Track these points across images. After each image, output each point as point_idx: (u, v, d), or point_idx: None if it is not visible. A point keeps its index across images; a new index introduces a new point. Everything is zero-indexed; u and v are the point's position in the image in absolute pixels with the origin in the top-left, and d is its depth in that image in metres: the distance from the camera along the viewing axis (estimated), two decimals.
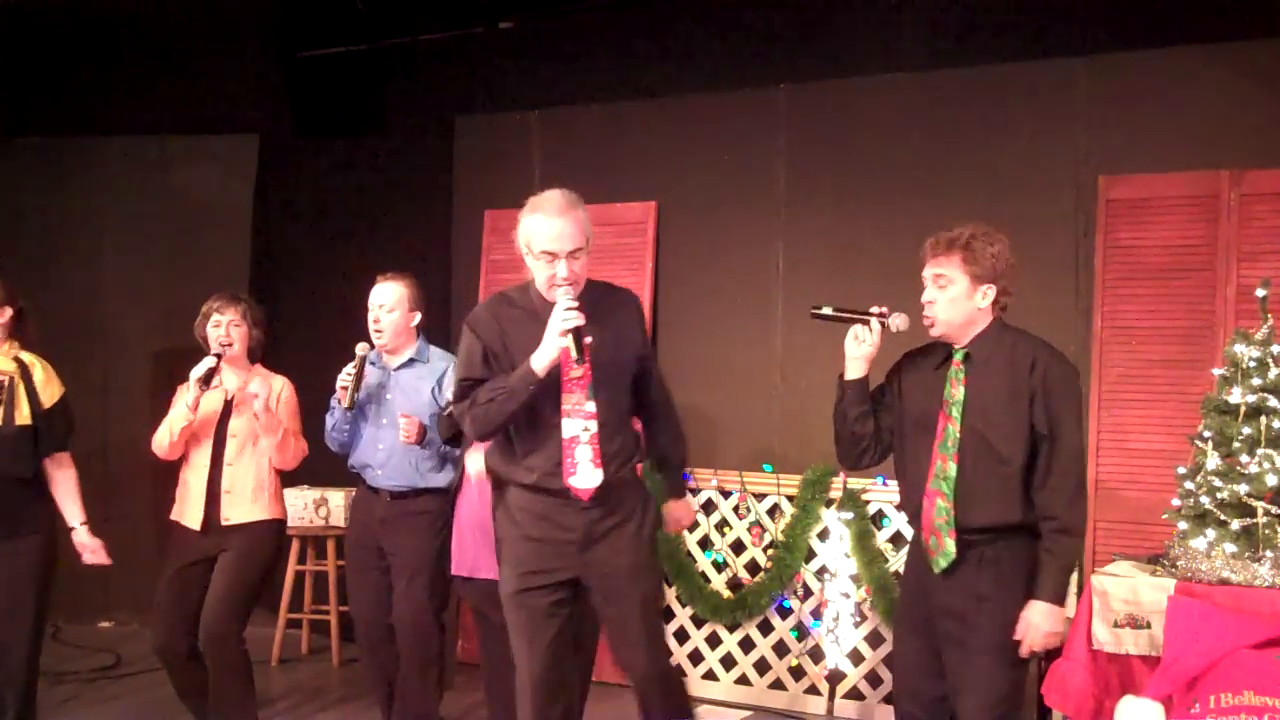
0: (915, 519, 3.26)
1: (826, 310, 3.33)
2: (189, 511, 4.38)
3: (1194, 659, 3.47)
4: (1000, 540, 3.11)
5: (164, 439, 4.36)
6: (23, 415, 4.11)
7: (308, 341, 5.15)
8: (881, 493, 5.05)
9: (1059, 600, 3.06)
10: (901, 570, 4.90)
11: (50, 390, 4.22)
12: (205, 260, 4.58)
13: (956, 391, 3.15)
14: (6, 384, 4.11)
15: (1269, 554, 3.63)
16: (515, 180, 6.10)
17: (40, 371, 4.22)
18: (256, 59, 6.47)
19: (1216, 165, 4.64)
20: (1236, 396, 3.77)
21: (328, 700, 5.34)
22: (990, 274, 3.15)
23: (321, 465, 5.49)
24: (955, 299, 3.15)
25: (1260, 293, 3.87)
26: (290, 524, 5.87)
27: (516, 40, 6.05)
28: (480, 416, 3.26)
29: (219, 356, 4.30)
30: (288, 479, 5.39)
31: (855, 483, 5.07)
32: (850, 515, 5.02)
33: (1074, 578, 3.51)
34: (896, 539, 5.01)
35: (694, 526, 3.79)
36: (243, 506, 4.37)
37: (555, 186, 5.95)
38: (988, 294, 3.15)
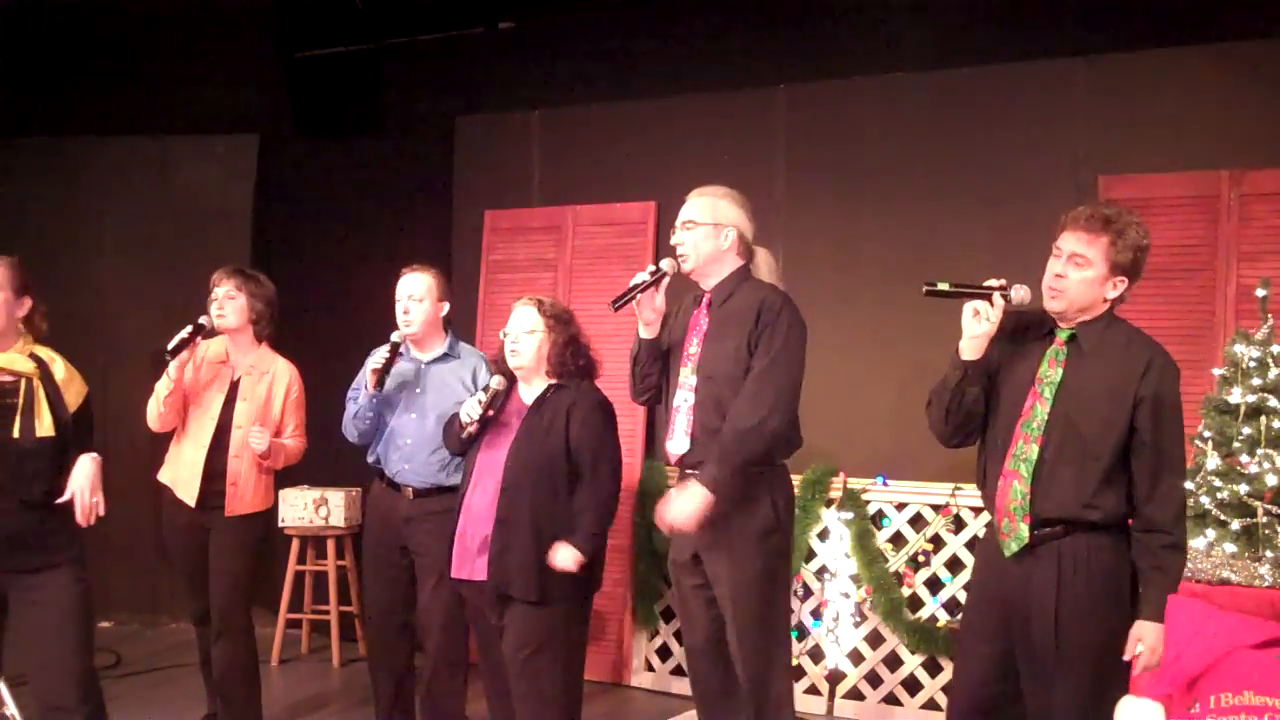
0: (990, 501, 3.10)
1: (943, 286, 3.06)
2: (184, 485, 4.39)
3: (1194, 659, 3.48)
4: (1076, 536, 2.95)
5: (153, 410, 4.40)
6: (44, 425, 3.42)
7: (307, 341, 5.14)
8: (882, 493, 5.05)
9: (1162, 618, 2.92)
10: (902, 570, 4.96)
11: (74, 389, 3.56)
12: (205, 260, 4.57)
13: (1054, 372, 2.99)
14: (22, 388, 3.42)
15: (1269, 554, 3.64)
16: (515, 180, 6.12)
17: (61, 368, 3.54)
18: (256, 59, 6.46)
19: (1216, 165, 4.64)
20: (1236, 396, 3.79)
21: (328, 700, 5.34)
22: (1129, 267, 2.97)
23: (321, 465, 5.49)
24: (1089, 282, 2.96)
25: (1260, 293, 3.88)
26: (290, 524, 5.92)
27: (516, 40, 6.05)
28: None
29: (198, 327, 4.31)
30: (288, 478, 5.40)
31: (855, 483, 5.07)
32: (850, 515, 5.03)
33: None
34: (896, 539, 5.01)
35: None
36: (246, 499, 4.41)
37: (555, 186, 6.04)
38: (1119, 286, 2.98)
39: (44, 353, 3.54)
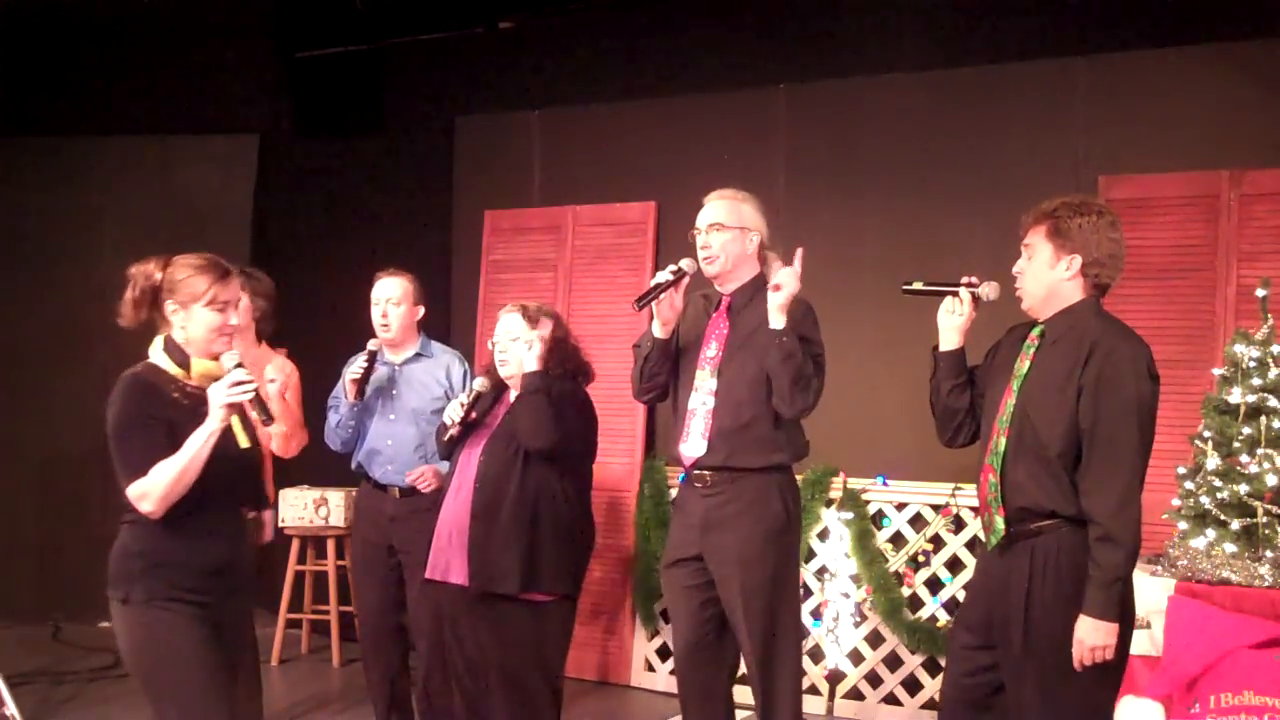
0: (979, 497, 3.15)
1: (917, 285, 3.28)
2: None
3: (1194, 659, 3.48)
4: (1049, 534, 2.95)
5: None
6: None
7: (307, 342, 5.14)
8: (882, 493, 5.05)
9: (1105, 615, 2.85)
10: (902, 570, 4.96)
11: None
12: None
13: (1023, 366, 3.04)
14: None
15: (1269, 554, 3.63)
16: (515, 180, 6.12)
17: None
18: (256, 59, 6.47)
19: (1216, 165, 4.64)
20: (1236, 396, 3.78)
21: (328, 700, 5.33)
22: (1076, 245, 2.99)
23: (321, 465, 5.49)
24: (1038, 268, 3.04)
25: (1260, 293, 3.87)
26: (290, 524, 5.91)
27: (516, 40, 6.06)
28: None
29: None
30: (288, 478, 5.39)
31: (855, 483, 5.07)
32: (850, 515, 5.02)
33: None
34: (896, 539, 5.01)
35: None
36: None
37: (555, 186, 6.05)
38: (1071, 264, 3.01)
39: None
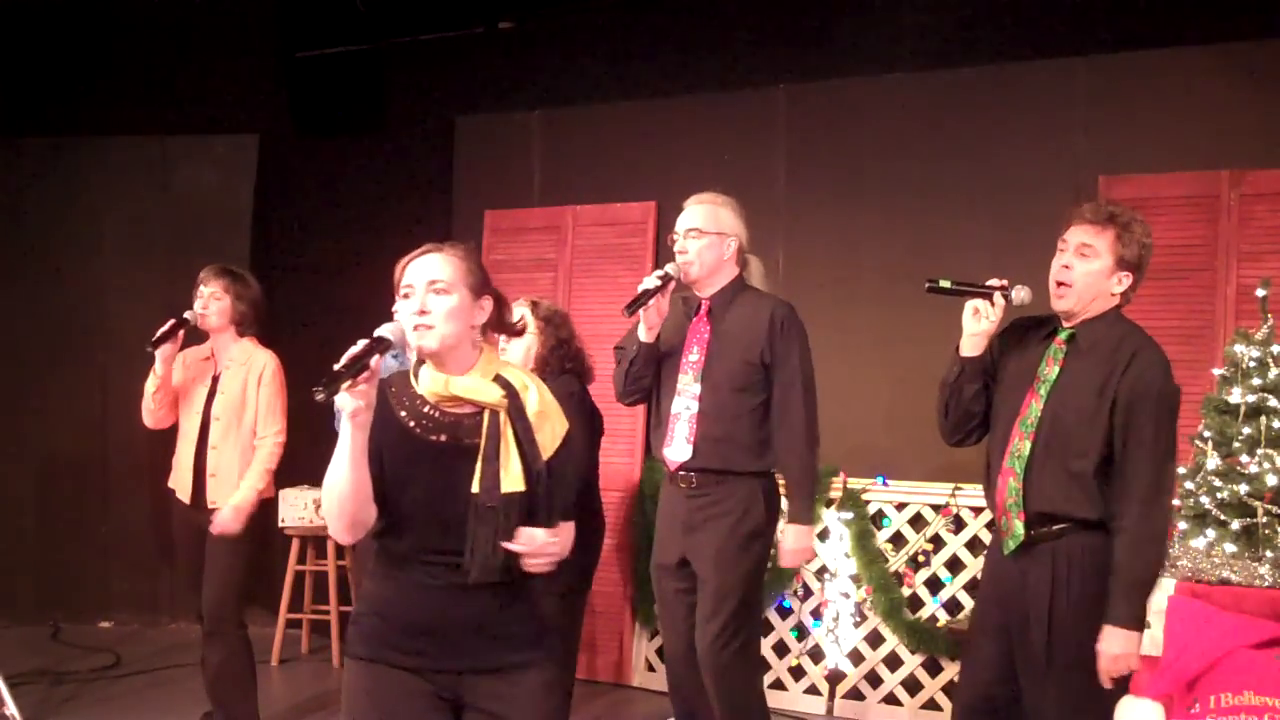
0: (991, 500, 3.12)
1: (945, 284, 3.11)
2: (181, 484, 4.42)
3: (1194, 659, 3.47)
4: (1071, 535, 2.94)
5: (145, 408, 4.45)
6: (511, 476, 2.43)
7: (306, 341, 5.14)
8: (881, 493, 5.05)
9: (1129, 623, 2.82)
10: (902, 570, 4.96)
11: (549, 428, 2.51)
12: (205, 260, 4.57)
13: (1050, 370, 3.01)
14: (485, 425, 2.44)
15: (1269, 554, 3.63)
16: (515, 180, 6.12)
17: (535, 398, 2.50)
18: (256, 59, 6.47)
19: (1216, 165, 4.64)
20: (1236, 396, 3.78)
21: (328, 700, 5.33)
22: (1134, 263, 2.99)
23: (321, 465, 5.47)
24: (1095, 274, 2.98)
25: (1260, 293, 3.87)
26: (290, 524, 5.90)
27: (516, 40, 6.05)
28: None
29: (181, 321, 4.36)
30: (288, 478, 5.38)
31: (855, 483, 5.07)
32: (850, 515, 5.02)
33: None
34: (896, 539, 5.01)
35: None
36: (228, 491, 4.35)
37: (555, 186, 6.04)
38: (1123, 281, 3.00)
39: (515, 376, 2.51)
